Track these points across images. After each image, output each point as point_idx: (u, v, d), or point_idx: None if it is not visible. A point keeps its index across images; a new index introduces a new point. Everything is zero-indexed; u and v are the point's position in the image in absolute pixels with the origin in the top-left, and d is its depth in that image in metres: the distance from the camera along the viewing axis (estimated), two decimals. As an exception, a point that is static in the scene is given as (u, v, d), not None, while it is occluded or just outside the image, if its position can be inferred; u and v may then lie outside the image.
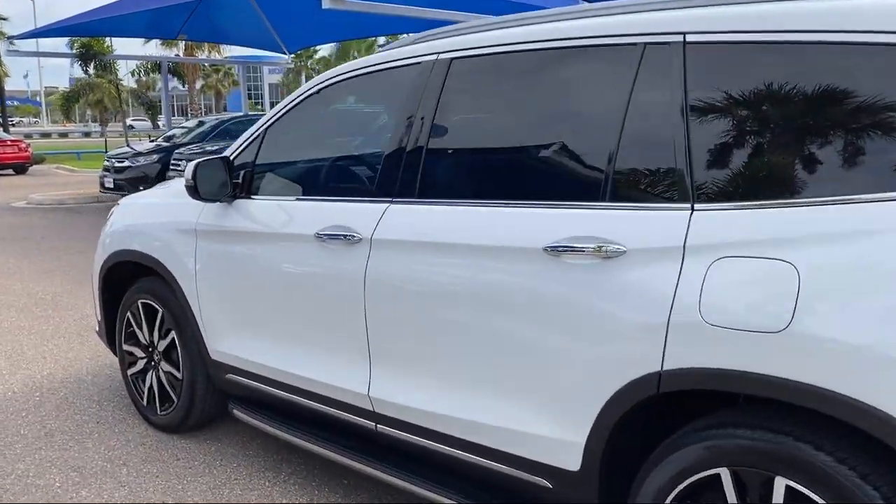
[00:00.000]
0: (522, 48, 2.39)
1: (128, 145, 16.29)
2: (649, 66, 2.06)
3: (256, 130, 3.21)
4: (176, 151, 12.38)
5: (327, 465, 3.24)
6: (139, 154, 13.34)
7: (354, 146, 3.54)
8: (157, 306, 3.63)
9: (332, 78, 3.00)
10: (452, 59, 2.54)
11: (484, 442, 2.34)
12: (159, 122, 39.41)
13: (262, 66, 52.51)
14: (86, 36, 26.43)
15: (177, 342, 3.54)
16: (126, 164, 13.01)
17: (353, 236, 2.63)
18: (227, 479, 3.27)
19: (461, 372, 2.39)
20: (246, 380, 3.21)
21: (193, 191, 3.08)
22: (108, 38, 31.34)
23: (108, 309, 4.01)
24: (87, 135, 49.87)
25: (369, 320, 2.61)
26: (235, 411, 3.32)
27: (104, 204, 12.43)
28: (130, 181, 12.43)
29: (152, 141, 15.63)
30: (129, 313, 3.83)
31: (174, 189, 3.69)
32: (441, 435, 2.47)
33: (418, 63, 2.65)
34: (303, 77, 47.27)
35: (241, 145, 3.25)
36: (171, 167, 11.89)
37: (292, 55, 18.08)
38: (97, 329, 4.21)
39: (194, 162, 3.08)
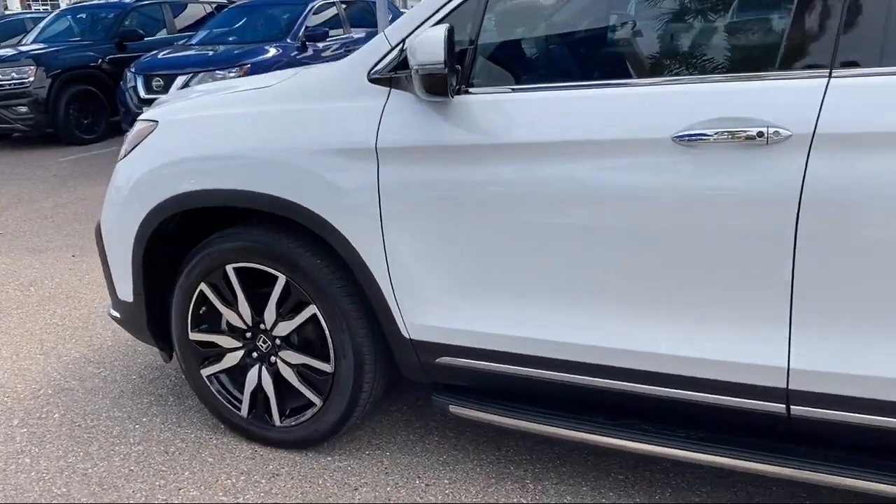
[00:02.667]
0: None
1: None
2: None
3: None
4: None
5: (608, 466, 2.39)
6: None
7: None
8: (275, 272, 2.42)
9: None
10: None
11: None
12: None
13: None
14: None
15: (323, 321, 2.39)
16: None
17: (779, 132, 1.73)
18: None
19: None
20: (478, 363, 2.22)
21: (438, 84, 1.95)
22: None
23: (150, 284, 2.67)
24: None
25: (800, 264, 1.78)
26: (453, 408, 2.31)
27: None
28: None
29: None
30: (205, 287, 2.55)
31: (284, 89, 2.41)
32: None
33: None
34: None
35: (441, 10, 2.11)
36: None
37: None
38: (116, 313, 2.83)
39: (444, 28, 1.92)
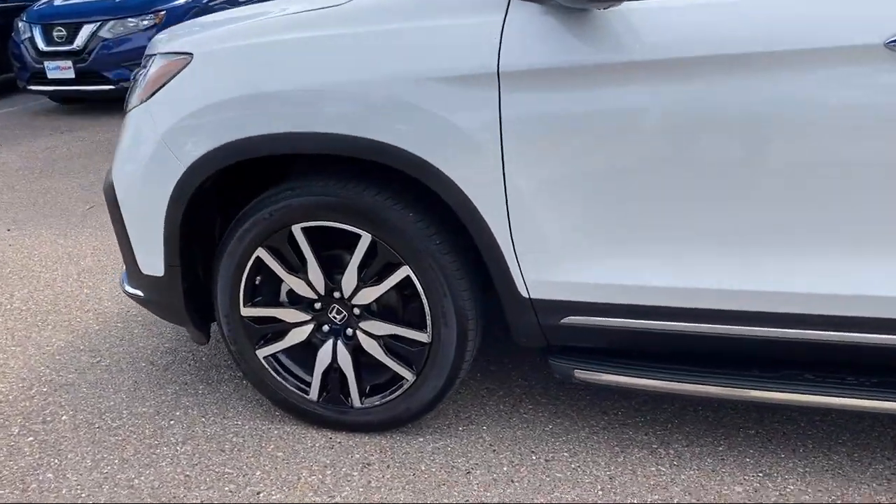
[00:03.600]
0: None
1: None
2: None
3: None
4: None
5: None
6: None
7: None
8: (357, 231, 2.04)
9: None
10: None
11: None
12: None
13: None
14: None
15: (418, 284, 2.04)
16: None
17: None
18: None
19: None
20: (615, 320, 1.94)
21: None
22: None
23: (186, 250, 2.23)
24: None
25: None
26: (579, 372, 2.03)
27: None
28: None
29: None
30: (263, 252, 2.14)
31: (363, 7, 1.98)
32: None
33: None
34: None
35: None
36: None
37: None
38: (137, 291, 2.37)
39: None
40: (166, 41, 2.24)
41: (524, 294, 1.97)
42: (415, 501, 1.98)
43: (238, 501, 2.01)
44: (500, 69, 1.79)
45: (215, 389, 2.56)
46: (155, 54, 2.22)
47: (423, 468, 2.11)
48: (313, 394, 2.26)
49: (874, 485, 1.96)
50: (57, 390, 2.60)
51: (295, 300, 2.23)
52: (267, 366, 2.27)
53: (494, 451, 2.17)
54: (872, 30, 1.58)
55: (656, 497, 1.96)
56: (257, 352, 2.26)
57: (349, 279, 2.11)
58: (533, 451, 2.16)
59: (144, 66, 2.27)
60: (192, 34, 2.16)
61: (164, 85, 2.11)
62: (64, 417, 2.44)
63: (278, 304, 2.25)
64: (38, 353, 2.87)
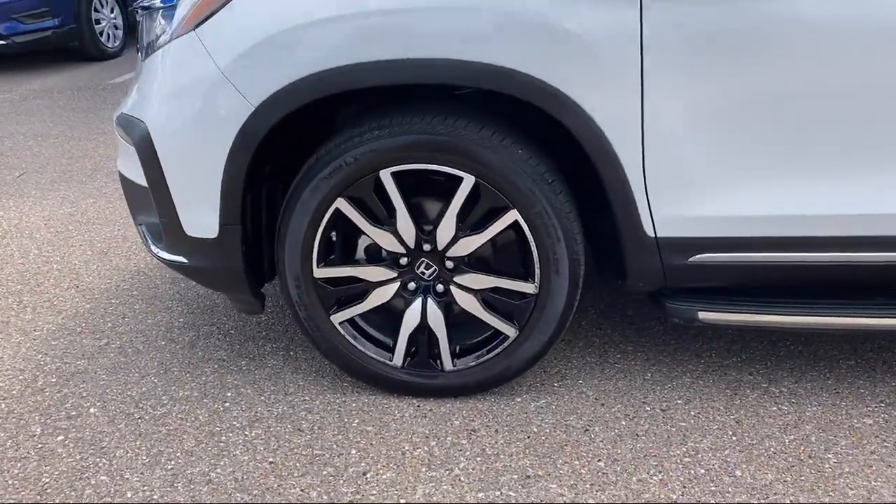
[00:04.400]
0: None
1: None
2: None
3: None
4: None
5: None
6: None
7: None
8: (459, 173, 1.81)
9: None
10: None
11: None
12: None
13: None
14: None
15: (527, 229, 1.84)
16: None
17: None
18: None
19: None
20: (744, 255, 1.81)
21: None
22: None
23: (248, 205, 1.93)
24: None
25: None
26: (703, 314, 1.90)
27: None
28: None
29: None
30: (344, 203, 1.87)
31: None
32: None
33: None
34: None
35: None
36: None
37: None
38: (180, 257, 2.04)
39: None
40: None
41: (650, 234, 1.81)
42: (541, 465, 1.81)
43: (349, 487, 1.77)
44: (641, -21, 1.60)
45: (261, 364, 2.27)
46: None
47: (535, 430, 1.93)
48: (397, 359, 2.02)
49: None
50: (69, 380, 2.24)
51: (374, 257, 1.98)
52: (343, 331, 2.02)
53: (603, 404, 2.02)
54: None
55: (791, 437, 1.87)
56: (332, 317, 2.00)
57: (446, 228, 1.87)
58: (644, 402, 2.02)
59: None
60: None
61: (220, 7, 1.77)
62: (92, 410, 2.10)
63: (355, 262, 1.99)
64: (28, 340, 2.47)
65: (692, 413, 1.97)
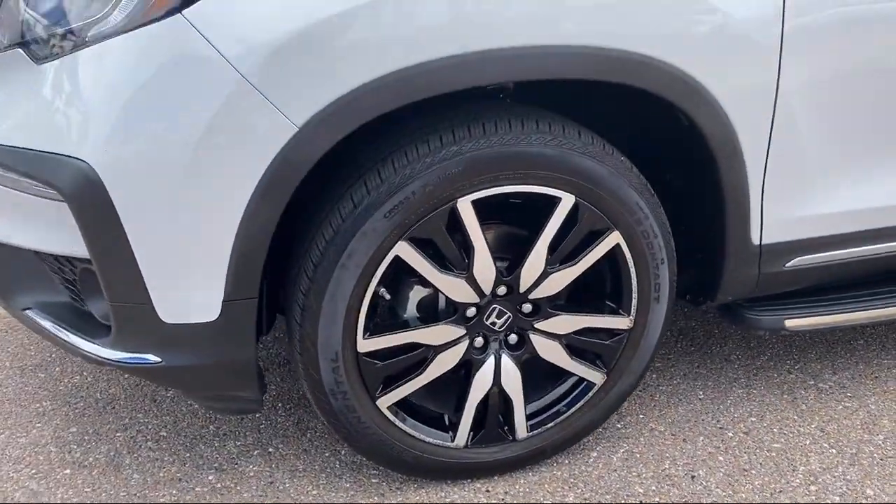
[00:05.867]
0: None
1: None
2: None
3: None
4: None
5: None
6: None
7: None
8: (556, 193, 1.40)
9: None
10: None
11: None
12: None
13: None
14: None
15: (628, 254, 1.50)
16: None
17: None
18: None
19: None
20: (831, 254, 1.67)
21: None
22: None
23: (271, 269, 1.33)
24: None
25: None
26: (790, 321, 1.71)
27: None
28: None
29: None
30: (406, 247, 1.36)
31: None
32: None
33: None
34: None
35: None
36: None
37: None
38: (120, 349, 1.35)
39: None
40: None
41: (755, 241, 1.57)
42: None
43: None
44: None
45: (301, 450, 1.65)
46: None
47: (640, 490, 1.61)
48: (460, 438, 1.56)
49: None
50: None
51: (429, 313, 1.50)
52: (393, 417, 1.50)
53: (685, 440, 1.76)
54: None
55: (881, 436, 1.77)
56: (378, 401, 1.48)
57: (534, 263, 1.45)
58: (721, 427, 1.80)
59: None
60: None
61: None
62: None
63: (405, 324, 1.49)
64: None
65: (775, 431, 1.79)
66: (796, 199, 1.55)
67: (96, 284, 1.33)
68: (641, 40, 1.30)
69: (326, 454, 1.70)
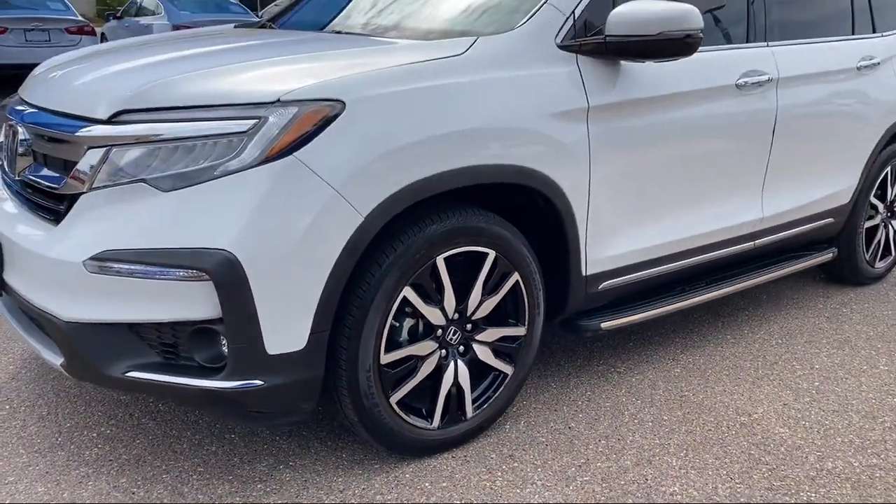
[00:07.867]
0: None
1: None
2: None
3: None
4: None
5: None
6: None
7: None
8: (484, 250, 2.32)
9: None
10: None
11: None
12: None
13: None
14: None
15: (521, 285, 2.46)
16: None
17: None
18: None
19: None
20: (621, 279, 2.78)
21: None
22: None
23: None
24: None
25: (773, 153, 3.15)
26: (605, 324, 2.77)
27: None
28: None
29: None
30: (408, 291, 2.18)
31: (480, 58, 2.24)
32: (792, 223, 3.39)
33: None
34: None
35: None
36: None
37: None
38: (230, 380, 1.97)
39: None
40: (286, 91, 1.97)
41: (583, 272, 2.62)
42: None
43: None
44: (591, 105, 2.45)
45: (325, 455, 2.25)
46: (268, 103, 1.94)
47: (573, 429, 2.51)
48: (435, 421, 2.35)
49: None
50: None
51: (414, 334, 2.29)
52: (399, 410, 2.26)
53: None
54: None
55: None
56: (390, 398, 2.23)
57: (476, 295, 2.34)
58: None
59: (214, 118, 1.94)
60: (320, 80, 2.00)
61: (311, 135, 1.93)
62: None
63: (403, 343, 2.26)
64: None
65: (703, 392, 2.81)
66: (601, 245, 2.62)
67: (210, 338, 1.95)
68: (528, 159, 2.29)
69: (332, 458, 2.35)
